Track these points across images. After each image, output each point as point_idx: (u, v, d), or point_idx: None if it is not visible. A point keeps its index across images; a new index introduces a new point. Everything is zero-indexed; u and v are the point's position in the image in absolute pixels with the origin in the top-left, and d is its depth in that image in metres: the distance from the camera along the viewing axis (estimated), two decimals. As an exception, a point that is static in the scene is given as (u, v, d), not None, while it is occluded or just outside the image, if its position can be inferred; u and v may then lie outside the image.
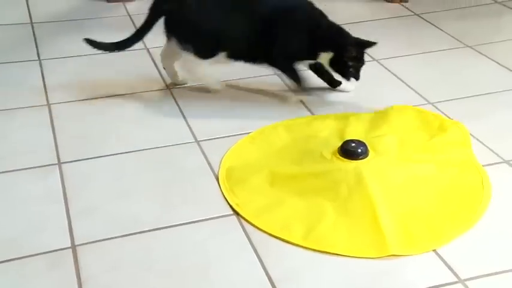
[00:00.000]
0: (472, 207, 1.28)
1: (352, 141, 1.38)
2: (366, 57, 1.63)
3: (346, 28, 1.62)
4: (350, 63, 1.57)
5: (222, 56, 1.62)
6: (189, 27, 1.59)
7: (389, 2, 2.34)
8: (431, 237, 1.20)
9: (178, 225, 1.24)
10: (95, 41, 1.67)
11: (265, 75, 1.80)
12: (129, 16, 2.23)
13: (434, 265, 1.15)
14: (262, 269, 1.14)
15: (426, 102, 1.68)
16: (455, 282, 1.11)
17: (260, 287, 1.10)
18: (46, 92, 1.73)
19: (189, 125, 1.58)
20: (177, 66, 1.73)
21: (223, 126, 1.56)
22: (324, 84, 1.72)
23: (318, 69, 1.68)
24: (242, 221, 1.25)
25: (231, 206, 1.29)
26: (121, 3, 2.33)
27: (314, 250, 1.17)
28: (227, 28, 1.57)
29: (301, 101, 1.66)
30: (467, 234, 1.21)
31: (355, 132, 1.47)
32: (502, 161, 1.43)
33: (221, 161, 1.42)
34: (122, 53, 1.95)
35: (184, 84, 1.76)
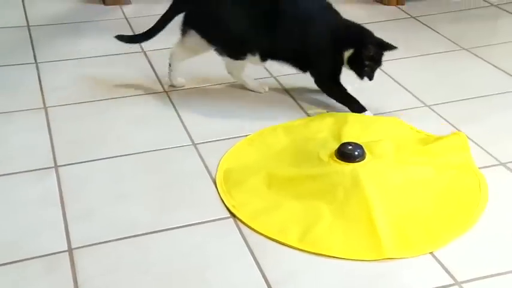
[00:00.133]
0: (469, 210, 1.28)
1: (349, 143, 1.38)
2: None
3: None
4: (367, 62, 1.56)
5: (254, 56, 1.62)
6: (216, 26, 1.60)
7: (386, 4, 2.35)
8: (428, 240, 1.20)
9: (175, 228, 1.24)
10: (125, 36, 1.73)
11: (262, 77, 1.80)
12: (126, 19, 2.23)
13: (431, 267, 1.15)
14: (259, 272, 1.14)
15: (423, 105, 1.68)
16: (452, 285, 1.11)
17: (257, 290, 1.10)
18: (43, 95, 1.73)
19: (186, 128, 1.58)
20: (183, 67, 1.73)
21: (221, 129, 1.56)
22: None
23: None
24: (239, 223, 1.25)
25: (228, 209, 1.29)
26: (118, 6, 2.33)
27: (311, 253, 1.17)
28: (250, 28, 1.57)
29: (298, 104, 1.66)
30: (464, 236, 1.21)
31: (352, 134, 1.47)
32: (498, 163, 1.44)
33: (219, 163, 1.42)
34: (119, 56, 1.95)
35: (182, 86, 1.76)
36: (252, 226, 1.24)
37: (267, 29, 1.56)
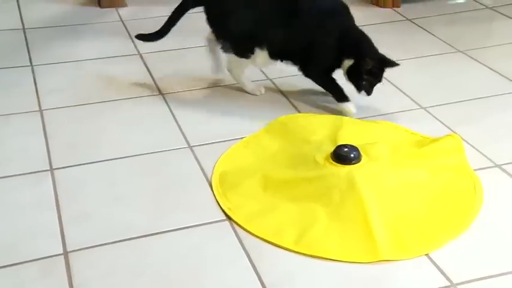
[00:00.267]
0: (464, 212, 1.28)
1: (345, 146, 1.38)
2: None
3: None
4: (365, 76, 1.55)
5: (261, 54, 1.62)
6: (226, 21, 1.61)
7: (381, 7, 2.35)
8: (423, 242, 1.20)
9: (171, 230, 1.24)
10: (145, 35, 1.73)
11: (258, 80, 1.80)
12: (122, 22, 2.23)
13: (426, 269, 1.15)
14: (255, 274, 1.13)
15: (418, 107, 1.69)
16: (448, 287, 1.11)
17: (253, 293, 1.10)
18: (38, 98, 1.72)
19: (181, 130, 1.58)
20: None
21: (216, 131, 1.56)
22: (317, 87, 1.71)
23: None
24: (235, 226, 1.25)
25: (224, 211, 1.28)
26: (114, 9, 2.33)
27: (306, 255, 1.17)
28: (262, 23, 1.58)
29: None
30: (459, 238, 1.22)
31: (348, 137, 1.47)
32: (493, 165, 1.44)
33: (215, 165, 1.42)
34: (115, 58, 1.95)
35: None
36: (248, 228, 1.24)
37: (282, 25, 1.56)
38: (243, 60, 1.66)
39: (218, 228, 1.25)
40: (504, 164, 1.44)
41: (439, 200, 1.31)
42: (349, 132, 1.52)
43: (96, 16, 2.28)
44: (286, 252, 1.19)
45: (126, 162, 1.45)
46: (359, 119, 1.62)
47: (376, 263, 1.16)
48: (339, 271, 1.14)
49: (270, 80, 1.82)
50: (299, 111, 1.66)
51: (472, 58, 1.96)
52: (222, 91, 1.76)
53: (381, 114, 1.64)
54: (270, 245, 1.20)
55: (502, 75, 1.85)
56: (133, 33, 2.10)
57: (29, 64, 1.92)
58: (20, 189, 1.36)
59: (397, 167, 1.39)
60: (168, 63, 1.91)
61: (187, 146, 1.51)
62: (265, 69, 1.87)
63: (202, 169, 1.42)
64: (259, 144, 1.50)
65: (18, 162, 1.44)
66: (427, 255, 1.18)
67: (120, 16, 2.28)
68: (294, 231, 1.22)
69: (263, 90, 1.74)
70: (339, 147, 1.37)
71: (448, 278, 1.13)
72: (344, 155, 1.35)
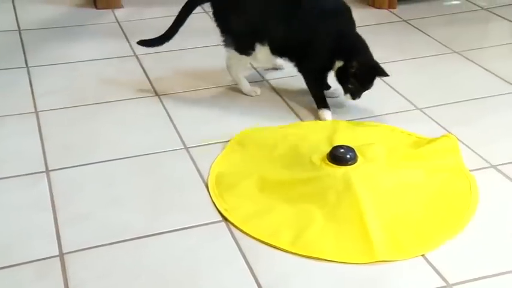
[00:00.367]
0: (460, 212, 1.28)
1: (341, 147, 1.38)
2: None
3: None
4: (351, 79, 1.55)
5: (262, 50, 1.63)
6: (230, 16, 1.62)
7: (377, 8, 2.36)
8: (419, 242, 1.20)
9: (168, 231, 1.24)
10: (147, 40, 1.73)
11: (254, 81, 1.80)
12: (118, 23, 2.23)
13: (423, 270, 1.15)
14: (251, 275, 1.13)
15: (414, 108, 1.69)
16: (444, 287, 1.11)
17: (249, 294, 1.10)
18: (34, 99, 1.72)
19: (178, 132, 1.57)
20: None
21: (213, 133, 1.56)
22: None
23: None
24: (231, 227, 1.25)
25: (220, 212, 1.28)
26: (110, 10, 2.33)
27: (303, 256, 1.17)
28: (266, 19, 1.59)
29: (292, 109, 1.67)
30: (455, 239, 1.22)
31: (344, 138, 1.47)
32: (489, 165, 1.44)
33: (211, 166, 1.42)
34: (111, 60, 1.95)
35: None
36: (244, 230, 1.23)
37: (284, 22, 1.57)
38: (243, 57, 1.67)
39: (214, 229, 1.25)
40: (499, 165, 1.44)
41: (435, 200, 1.32)
42: (346, 134, 1.52)
43: (92, 17, 2.28)
44: (283, 253, 1.18)
45: (122, 163, 1.45)
46: (355, 120, 1.62)
47: (372, 263, 1.16)
48: (335, 272, 1.14)
49: (266, 80, 1.82)
50: (295, 113, 1.66)
51: (468, 59, 1.96)
52: (218, 92, 1.76)
53: (377, 115, 1.65)
54: (266, 246, 1.20)
55: (498, 76, 1.86)
56: (129, 35, 2.11)
57: (25, 65, 1.91)
58: (15, 190, 1.36)
59: (393, 168, 1.39)
60: (164, 64, 1.91)
61: (183, 147, 1.51)
62: (261, 71, 1.87)
63: (198, 170, 1.42)
64: (255, 145, 1.50)
65: (14, 164, 1.44)
66: (423, 255, 1.18)
67: (116, 17, 2.28)
68: (290, 232, 1.22)
69: (258, 91, 1.74)
70: (335, 148, 1.37)
71: (444, 279, 1.13)
72: (340, 156, 1.35)
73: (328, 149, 1.38)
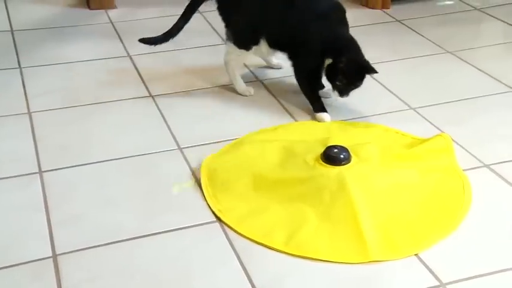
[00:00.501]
0: (453, 212, 1.29)
1: (335, 147, 1.38)
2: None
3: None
4: (339, 76, 1.56)
5: (260, 45, 1.65)
6: (233, 9, 1.65)
7: (371, 8, 2.36)
8: (413, 242, 1.21)
9: (161, 232, 1.24)
10: (149, 38, 1.73)
11: (249, 81, 1.80)
12: (112, 23, 2.22)
13: (416, 269, 1.15)
14: (245, 276, 1.13)
15: (408, 108, 1.69)
16: (438, 286, 1.11)
17: (243, 294, 1.10)
18: (27, 100, 1.71)
19: (171, 132, 1.57)
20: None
21: (206, 133, 1.56)
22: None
23: None
24: (225, 227, 1.25)
25: (213, 213, 1.28)
26: (103, 11, 2.32)
27: (297, 256, 1.17)
28: (263, 15, 1.61)
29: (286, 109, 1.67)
30: (448, 238, 1.22)
31: (338, 138, 1.47)
32: (482, 165, 1.45)
33: (201, 166, 1.41)
34: (104, 60, 1.95)
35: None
36: (238, 230, 1.23)
37: (279, 19, 1.60)
38: (242, 51, 1.67)
39: (208, 230, 1.24)
40: (492, 164, 1.44)
41: (428, 200, 1.32)
42: (339, 134, 1.52)
43: (85, 18, 2.27)
44: (277, 253, 1.19)
45: (116, 164, 1.45)
46: (349, 120, 1.63)
47: (366, 263, 1.16)
48: (329, 272, 1.14)
49: (260, 81, 1.82)
50: (289, 113, 1.67)
51: (461, 59, 1.97)
52: (212, 93, 1.76)
53: (371, 115, 1.65)
54: (260, 247, 1.20)
55: (491, 76, 1.86)
56: (123, 35, 2.11)
57: (18, 66, 1.91)
58: (8, 192, 1.35)
59: (386, 168, 1.39)
60: (158, 65, 1.91)
61: (177, 147, 1.51)
62: (256, 71, 1.87)
63: (192, 171, 1.42)
64: (249, 145, 1.50)
65: (7, 165, 1.43)
66: (416, 255, 1.18)
67: (109, 18, 2.27)
68: (284, 233, 1.22)
69: (252, 92, 1.74)
70: (329, 148, 1.38)
71: (437, 278, 1.13)
72: (334, 156, 1.35)
73: (322, 149, 1.38)
